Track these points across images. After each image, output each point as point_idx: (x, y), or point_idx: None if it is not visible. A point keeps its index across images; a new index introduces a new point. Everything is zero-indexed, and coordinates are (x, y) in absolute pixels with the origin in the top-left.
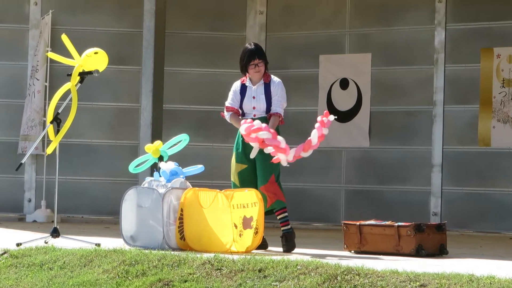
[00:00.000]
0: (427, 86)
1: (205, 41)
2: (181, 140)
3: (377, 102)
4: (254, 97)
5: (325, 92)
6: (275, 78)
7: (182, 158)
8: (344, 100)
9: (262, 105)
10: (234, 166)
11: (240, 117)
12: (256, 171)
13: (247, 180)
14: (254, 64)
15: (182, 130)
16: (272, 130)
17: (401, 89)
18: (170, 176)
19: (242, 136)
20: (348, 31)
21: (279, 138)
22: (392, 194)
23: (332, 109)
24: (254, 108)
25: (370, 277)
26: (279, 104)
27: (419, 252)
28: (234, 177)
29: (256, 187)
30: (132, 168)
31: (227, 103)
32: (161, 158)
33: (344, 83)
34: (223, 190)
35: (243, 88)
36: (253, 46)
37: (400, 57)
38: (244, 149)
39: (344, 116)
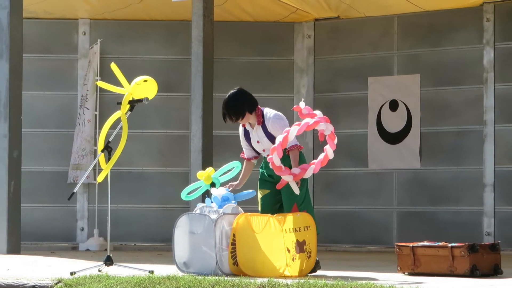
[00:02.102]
0: (477, 106)
1: (253, 66)
2: (233, 167)
3: (427, 122)
4: (258, 142)
5: (374, 114)
6: (267, 114)
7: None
8: (394, 122)
9: (269, 146)
10: (258, 191)
11: (252, 161)
12: (280, 197)
13: (269, 205)
14: (232, 120)
15: (232, 156)
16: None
17: (451, 109)
18: (221, 202)
19: (267, 161)
20: (396, 52)
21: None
22: (444, 214)
23: (382, 131)
24: (264, 150)
25: None
26: (289, 136)
27: (473, 272)
28: (259, 200)
29: (275, 206)
30: (184, 195)
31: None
32: (213, 185)
33: (393, 105)
34: (275, 215)
35: (246, 133)
36: (225, 103)
37: (449, 77)
38: (267, 174)
39: (394, 138)
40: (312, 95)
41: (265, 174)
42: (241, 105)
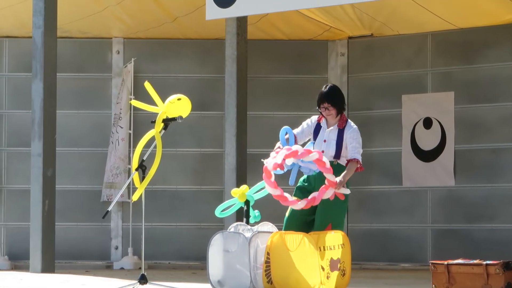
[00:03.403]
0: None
1: (287, 84)
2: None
3: (461, 140)
4: (325, 141)
5: (408, 132)
6: (351, 124)
7: (267, 202)
8: (428, 139)
9: (332, 151)
10: None
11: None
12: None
13: (296, 215)
14: (324, 107)
15: None
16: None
17: (485, 127)
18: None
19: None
20: (430, 70)
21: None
22: (479, 232)
23: (416, 149)
24: (323, 152)
25: None
26: (357, 151)
27: None
28: (288, 210)
29: (299, 227)
30: (218, 212)
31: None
32: (247, 203)
33: (427, 122)
34: (310, 233)
35: (317, 128)
36: (326, 89)
37: (484, 94)
38: (309, 186)
39: (428, 155)
40: (346, 113)
41: (305, 183)
42: (342, 99)
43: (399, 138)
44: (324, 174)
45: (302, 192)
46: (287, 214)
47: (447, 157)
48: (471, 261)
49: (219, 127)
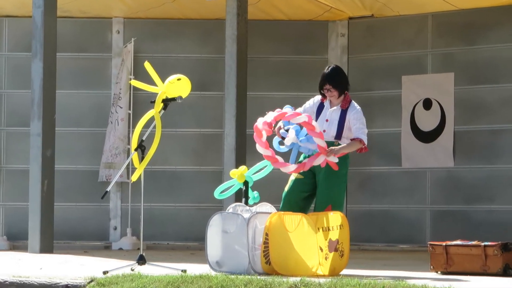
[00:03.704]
0: (511, 105)
1: (287, 65)
2: (266, 166)
3: (461, 121)
4: (327, 120)
5: (408, 113)
6: (355, 105)
7: (266, 183)
8: (427, 120)
9: (333, 130)
10: (292, 174)
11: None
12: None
13: (296, 191)
14: (326, 89)
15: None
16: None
17: (485, 108)
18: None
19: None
20: (430, 51)
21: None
22: (478, 213)
23: (415, 130)
24: (324, 131)
25: None
26: (362, 132)
27: (506, 271)
28: (289, 182)
29: (297, 203)
30: (217, 194)
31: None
32: (246, 184)
33: (427, 103)
34: (309, 213)
35: (320, 107)
36: (327, 70)
37: (484, 76)
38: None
39: (428, 137)
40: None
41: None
42: (344, 81)
43: (398, 119)
44: (314, 139)
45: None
46: (286, 188)
47: (446, 138)
48: (469, 243)
49: (219, 108)
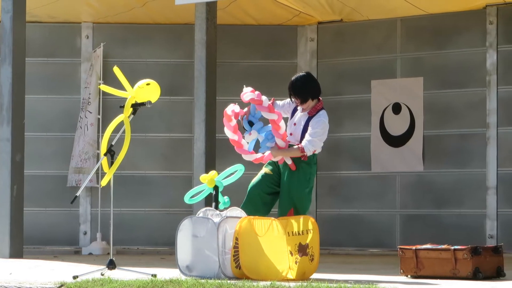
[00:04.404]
0: (480, 109)
1: (257, 70)
2: (236, 170)
3: (430, 125)
4: (295, 124)
5: (377, 117)
6: (320, 114)
7: (237, 188)
8: (397, 125)
9: (297, 135)
10: (263, 169)
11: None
12: (275, 188)
13: (263, 185)
14: (292, 98)
15: (235, 159)
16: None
17: (454, 112)
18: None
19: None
20: (399, 55)
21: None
22: (447, 217)
23: (385, 134)
24: (291, 134)
25: None
26: (310, 140)
27: (476, 275)
28: (256, 178)
29: (261, 196)
30: (187, 198)
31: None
32: (216, 188)
33: (396, 108)
34: (278, 218)
35: (295, 109)
36: (292, 80)
37: (453, 80)
38: (277, 164)
39: (397, 141)
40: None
41: (274, 162)
42: (306, 90)
43: (368, 123)
44: (276, 139)
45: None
46: (252, 181)
47: (416, 142)
48: (439, 246)
49: (188, 112)
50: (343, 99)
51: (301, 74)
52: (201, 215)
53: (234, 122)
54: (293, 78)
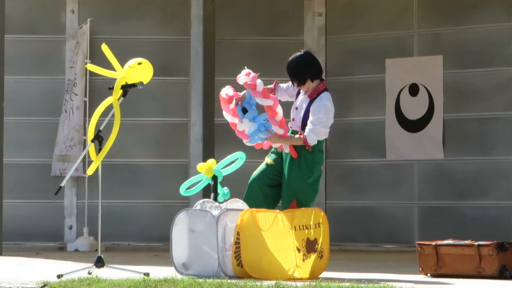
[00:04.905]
0: (506, 90)
1: (259, 48)
2: (237, 159)
3: (450, 109)
4: (296, 108)
5: (392, 100)
6: (322, 96)
7: (238, 178)
8: (414, 108)
9: (299, 120)
10: (266, 158)
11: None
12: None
13: (264, 177)
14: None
15: (236, 146)
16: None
17: (477, 94)
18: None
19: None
20: (416, 31)
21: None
22: (470, 210)
23: (401, 118)
24: (293, 119)
25: None
26: (312, 128)
27: (502, 273)
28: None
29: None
30: (183, 190)
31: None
32: (215, 178)
33: (413, 89)
34: (283, 211)
35: (298, 93)
36: (289, 60)
37: (475, 59)
38: (278, 151)
39: (414, 126)
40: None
41: (277, 149)
42: (304, 70)
43: (382, 106)
44: (272, 126)
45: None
46: (254, 173)
47: (435, 127)
48: (462, 242)
49: (184, 94)
50: (355, 79)
51: (298, 53)
52: (198, 207)
53: (232, 104)
54: (290, 58)
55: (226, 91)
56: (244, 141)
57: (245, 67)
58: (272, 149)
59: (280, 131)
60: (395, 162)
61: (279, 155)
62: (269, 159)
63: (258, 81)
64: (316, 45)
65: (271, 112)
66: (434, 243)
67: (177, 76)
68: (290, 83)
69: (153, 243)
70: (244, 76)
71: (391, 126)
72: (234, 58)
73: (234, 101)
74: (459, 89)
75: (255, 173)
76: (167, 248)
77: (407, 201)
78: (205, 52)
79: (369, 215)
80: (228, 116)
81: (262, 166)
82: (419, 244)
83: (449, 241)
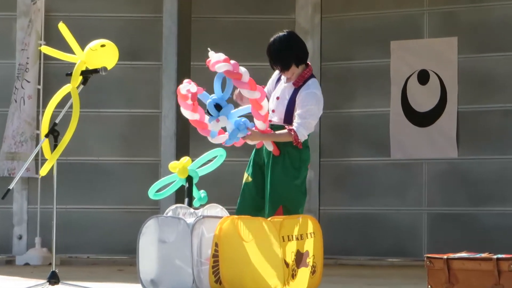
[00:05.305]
0: None
1: (243, 27)
2: (215, 156)
3: (466, 99)
4: (278, 98)
5: (399, 89)
6: (309, 84)
7: (216, 179)
8: (423, 98)
9: (281, 112)
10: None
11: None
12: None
13: (247, 199)
14: (272, 64)
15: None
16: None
17: (497, 82)
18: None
19: None
20: (427, 9)
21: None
22: (488, 217)
23: (408, 110)
24: (273, 111)
25: None
26: (301, 122)
27: None
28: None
29: (253, 210)
30: (152, 193)
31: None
32: (190, 180)
33: (423, 76)
34: (269, 218)
35: (277, 81)
36: (270, 42)
37: (495, 41)
38: (258, 157)
39: (424, 119)
40: (318, 64)
41: (255, 156)
42: (289, 53)
43: (386, 96)
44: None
45: (253, 166)
46: (239, 199)
47: (448, 121)
48: (478, 255)
49: (155, 82)
50: (354, 65)
51: (280, 33)
52: (170, 214)
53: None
54: (271, 39)
55: (188, 87)
56: (211, 139)
57: (209, 49)
58: (250, 158)
59: (263, 127)
60: (400, 161)
61: (255, 162)
62: (246, 175)
63: (242, 69)
64: (309, 24)
65: (257, 106)
66: (445, 256)
67: (147, 61)
68: (270, 80)
69: (117, 255)
70: (223, 62)
71: (396, 119)
72: (213, 39)
73: (198, 97)
74: (477, 76)
75: (239, 199)
76: (133, 261)
77: (415, 207)
78: (180, 33)
79: (370, 223)
80: (187, 113)
81: (242, 188)
82: (428, 257)
83: (463, 254)
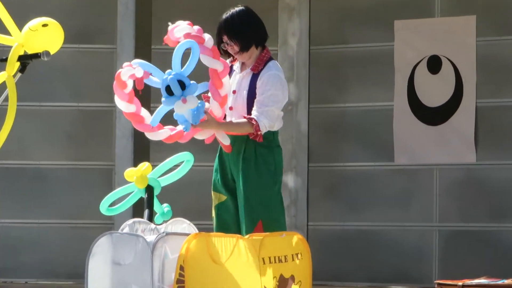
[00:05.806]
0: None
1: (216, 4)
2: (182, 162)
3: (486, 92)
4: (234, 92)
5: (404, 79)
6: (270, 66)
7: (182, 189)
8: (435, 91)
9: (241, 107)
10: (212, 196)
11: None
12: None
13: (228, 219)
14: (224, 42)
15: (180, 145)
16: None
17: None
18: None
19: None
20: None
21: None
22: (511, 235)
23: (416, 105)
24: (230, 108)
25: None
26: (263, 110)
27: None
28: (213, 212)
29: (239, 231)
30: (104, 208)
31: None
32: (150, 190)
33: (434, 64)
34: (247, 236)
35: (231, 74)
36: (224, 18)
37: None
38: (223, 169)
39: (435, 116)
40: (306, 48)
41: (219, 167)
42: (249, 31)
43: (389, 88)
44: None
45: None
46: (213, 202)
47: (464, 118)
48: (500, 281)
49: (108, 69)
50: (350, 50)
51: (236, 8)
52: (126, 230)
53: (129, 88)
54: (224, 15)
55: (132, 72)
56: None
57: (169, 23)
58: (213, 181)
59: (219, 113)
60: (406, 167)
61: (223, 174)
62: (216, 195)
63: (207, 35)
64: (296, 1)
65: (217, 82)
66: (461, 283)
67: (98, 44)
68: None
69: (61, 280)
70: (186, 25)
71: (401, 116)
72: (177, 17)
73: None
74: (499, 64)
75: (214, 224)
76: (81, 287)
77: (424, 223)
78: (138, 10)
79: (368, 242)
80: (121, 104)
81: (215, 213)
82: (439, 284)
83: (483, 280)
